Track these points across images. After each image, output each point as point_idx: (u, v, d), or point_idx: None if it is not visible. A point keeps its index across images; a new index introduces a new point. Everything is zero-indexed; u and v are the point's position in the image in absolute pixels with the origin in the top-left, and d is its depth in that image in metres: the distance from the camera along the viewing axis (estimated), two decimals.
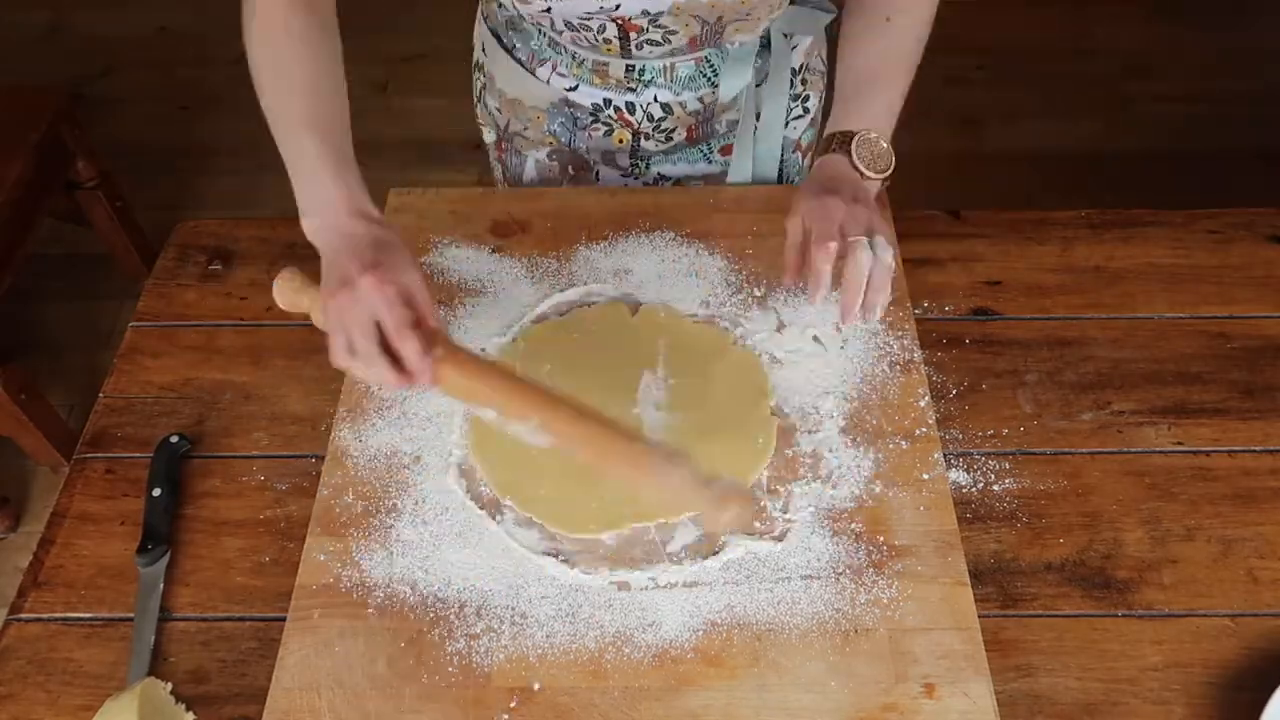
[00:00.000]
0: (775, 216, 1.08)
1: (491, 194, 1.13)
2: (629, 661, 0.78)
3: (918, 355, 0.97)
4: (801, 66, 1.15)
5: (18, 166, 1.81)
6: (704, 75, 1.06)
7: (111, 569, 0.87)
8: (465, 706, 0.76)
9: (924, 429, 0.91)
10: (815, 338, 0.98)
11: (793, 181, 1.22)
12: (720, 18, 0.98)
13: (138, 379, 1.00)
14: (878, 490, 0.87)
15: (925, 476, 0.88)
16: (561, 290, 1.02)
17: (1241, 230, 1.11)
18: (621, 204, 1.10)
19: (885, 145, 0.89)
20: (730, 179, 1.16)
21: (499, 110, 1.17)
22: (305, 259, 1.09)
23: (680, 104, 1.08)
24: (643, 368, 0.95)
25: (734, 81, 1.07)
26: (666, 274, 1.04)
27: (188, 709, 0.78)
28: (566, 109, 1.11)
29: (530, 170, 1.20)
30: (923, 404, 0.93)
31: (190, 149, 2.60)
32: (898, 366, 0.96)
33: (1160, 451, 0.93)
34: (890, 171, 0.88)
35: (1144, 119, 2.61)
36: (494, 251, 1.06)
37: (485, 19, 1.13)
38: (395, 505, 0.87)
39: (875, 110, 0.90)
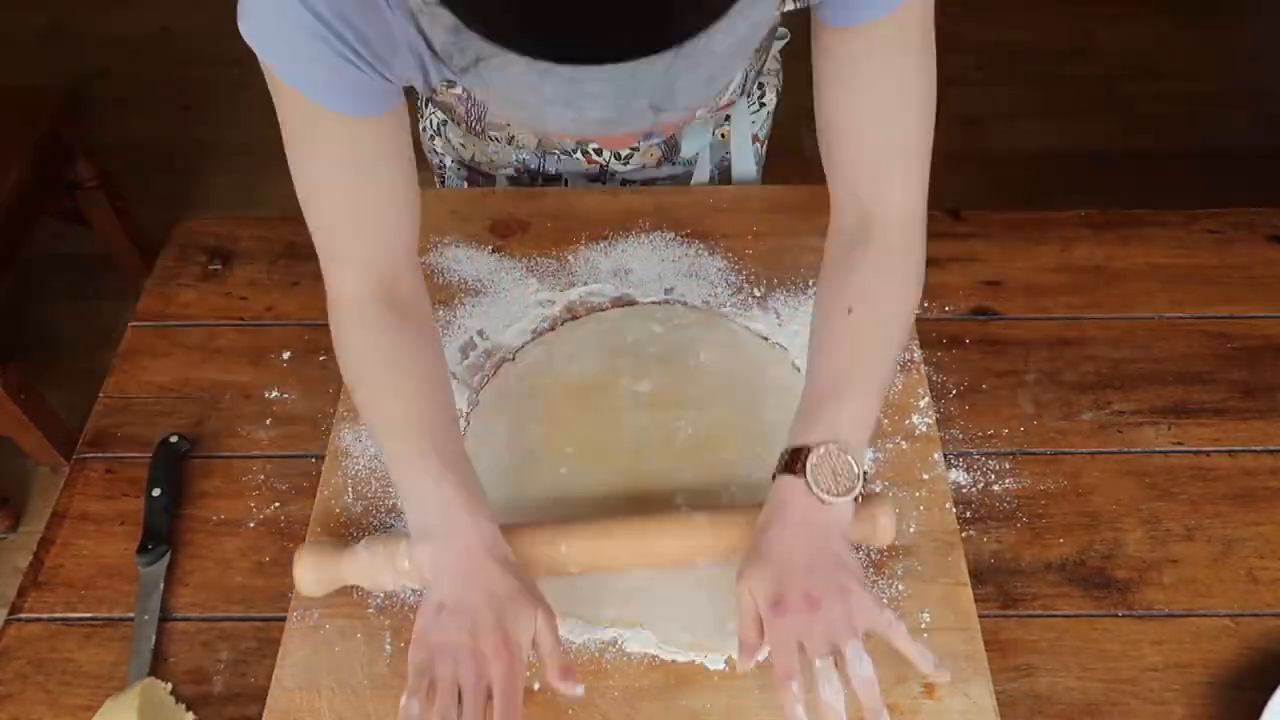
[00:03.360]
0: (775, 216, 1.09)
1: (491, 194, 1.13)
2: (629, 661, 0.78)
3: (918, 355, 0.97)
4: (763, 68, 1.14)
5: (18, 166, 1.80)
6: (668, 145, 1.10)
7: (111, 569, 0.87)
8: None
9: (924, 429, 0.91)
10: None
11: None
12: (679, 131, 1.01)
13: (138, 379, 1.00)
14: (878, 490, 0.87)
15: (925, 476, 0.88)
16: (561, 290, 1.03)
17: (1241, 230, 1.11)
18: (621, 204, 1.10)
19: (849, 459, 0.73)
20: (695, 182, 1.18)
21: (462, 145, 1.15)
22: (305, 258, 1.09)
23: (646, 150, 1.10)
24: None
25: (694, 142, 1.11)
26: (666, 274, 1.04)
27: (188, 709, 0.78)
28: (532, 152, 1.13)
29: (502, 183, 1.20)
30: (923, 404, 0.93)
31: (190, 149, 2.60)
32: (898, 366, 0.96)
33: (1160, 451, 0.93)
34: (858, 490, 0.73)
35: (1144, 119, 2.61)
36: (494, 251, 1.06)
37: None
38: (395, 505, 0.87)
39: (839, 420, 0.75)
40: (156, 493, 0.89)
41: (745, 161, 1.18)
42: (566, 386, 0.95)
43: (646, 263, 1.05)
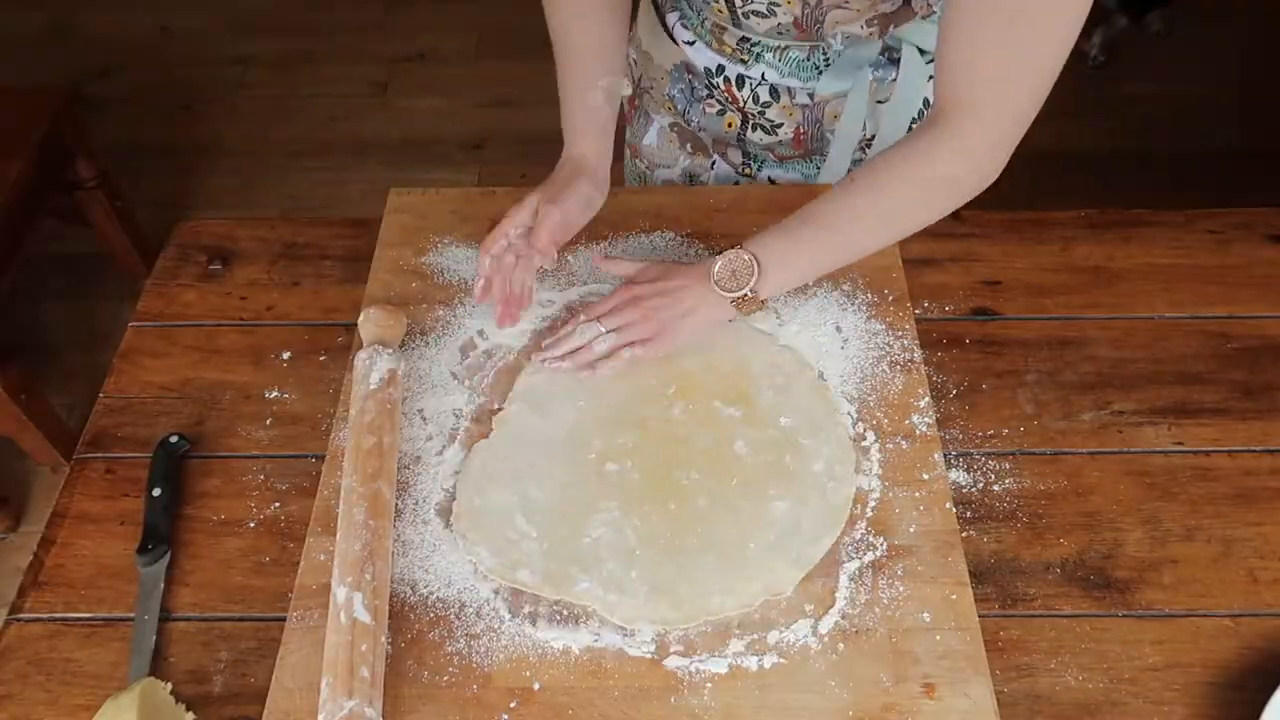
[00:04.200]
0: (775, 217, 1.08)
1: (491, 194, 1.13)
2: (629, 661, 0.78)
3: (918, 355, 0.97)
4: (921, 114, 1.09)
5: (18, 166, 1.81)
6: (815, 65, 1.04)
7: (111, 569, 0.87)
8: (465, 706, 0.76)
9: (924, 429, 0.91)
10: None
11: None
12: (821, 2, 0.94)
13: (138, 379, 1.00)
14: (878, 490, 0.87)
15: (925, 476, 0.88)
16: (561, 290, 1.03)
17: (1241, 230, 1.11)
18: (622, 204, 1.10)
19: (755, 274, 0.88)
20: (822, 179, 1.16)
21: (634, 62, 1.20)
22: (305, 259, 1.09)
23: (787, 90, 1.06)
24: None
25: (838, 79, 1.03)
26: None
27: (188, 709, 0.78)
28: (686, 75, 1.12)
29: (652, 137, 1.22)
30: (923, 404, 0.93)
31: (190, 149, 2.60)
32: (898, 366, 0.96)
33: (1160, 451, 0.93)
34: (734, 298, 0.89)
35: (1144, 119, 2.61)
36: None
37: None
38: (395, 505, 0.87)
39: (781, 250, 0.89)
40: (157, 493, 0.89)
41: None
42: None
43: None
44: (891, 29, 1.00)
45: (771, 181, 1.18)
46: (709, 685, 0.77)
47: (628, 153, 1.28)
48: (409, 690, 0.77)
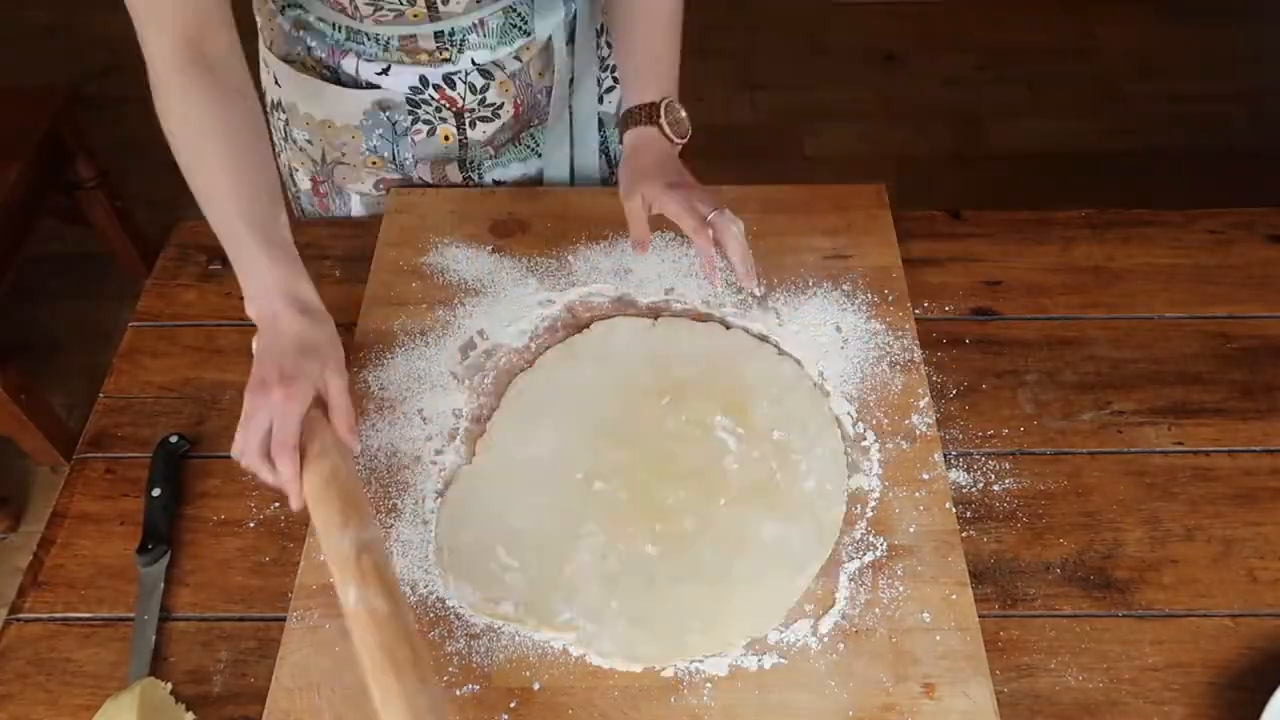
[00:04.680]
0: (775, 217, 1.08)
1: (492, 194, 1.13)
2: (630, 661, 0.78)
3: (918, 355, 0.97)
4: (604, 27, 1.13)
5: (18, 166, 1.80)
6: (516, 26, 1.04)
7: (111, 569, 0.87)
8: (465, 706, 0.76)
9: (924, 429, 0.91)
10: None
11: (616, 159, 1.19)
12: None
13: (138, 379, 1.00)
14: (878, 490, 0.87)
15: (925, 476, 0.88)
16: (561, 290, 1.03)
17: (1241, 230, 1.11)
18: (622, 204, 1.10)
19: (683, 112, 0.99)
20: (548, 176, 1.17)
21: (310, 142, 1.12)
22: (306, 258, 1.08)
23: (499, 66, 1.05)
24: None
25: (547, 21, 1.06)
26: (666, 274, 1.04)
27: (188, 709, 0.78)
28: (381, 114, 1.06)
29: (357, 208, 1.16)
30: (923, 404, 0.93)
31: None
32: (898, 366, 0.96)
33: (1160, 451, 0.93)
34: (688, 137, 0.99)
35: (1144, 119, 2.61)
36: (494, 251, 1.06)
37: (270, 48, 1.08)
38: (395, 505, 0.87)
39: (666, 79, 0.99)
40: (156, 493, 0.89)
41: (589, 158, 1.20)
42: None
43: (646, 263, 1.05)
44: None
45: (497, 183, 1.16)
46: (709, 685, 0.77)
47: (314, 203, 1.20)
48: None
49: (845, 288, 1.02)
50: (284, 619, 0.81)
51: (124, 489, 0.92)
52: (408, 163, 1.11)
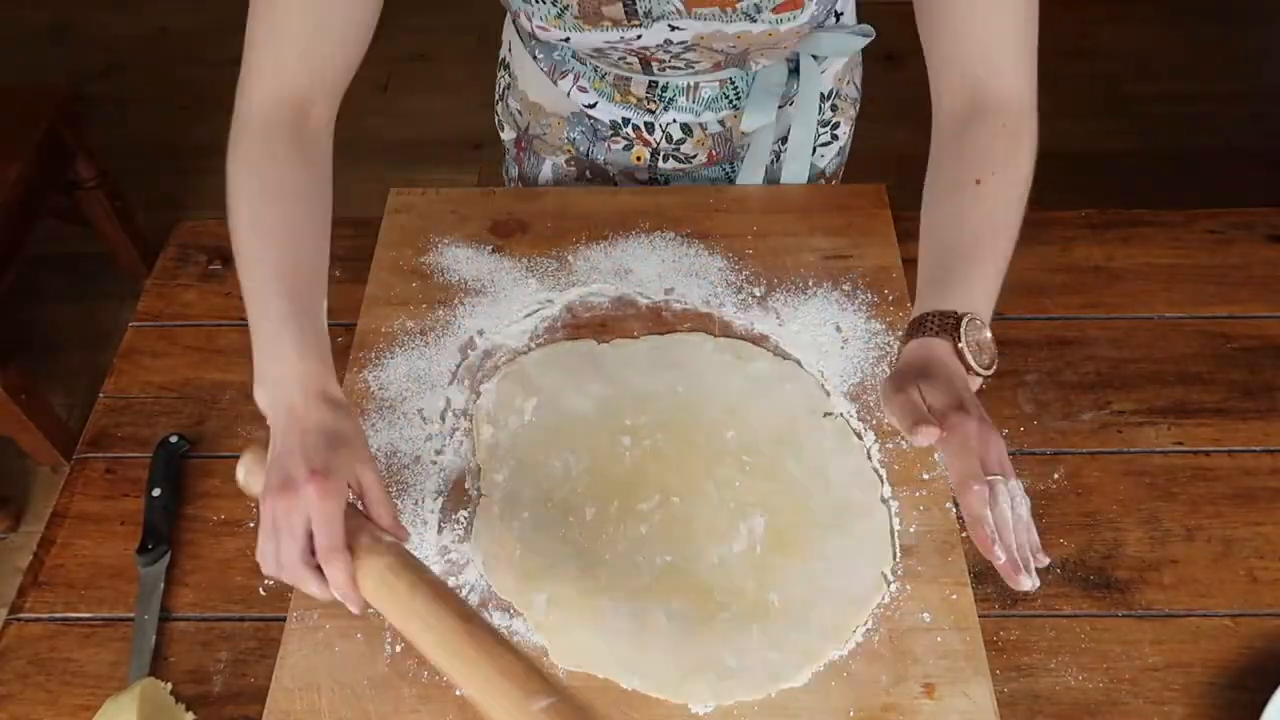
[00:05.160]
0: (775, 216, 1.09)
1: (491, 194, 1.13)
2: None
3: None
4: (832, 92, 1.11)
5: (18, 166, 1.80)
6: (727, 97, 1.04)
7: (111, 569, 0.87)
8: (465, 706, 0.76)
9: None
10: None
11: None
12: (746, 49, 0.95)
13: (138, 379, 1.00)
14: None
15: (925, 476, 0.88)
16: (561, 290, 1.03)
17: (1241, 230, 1.11)
18: (621, 204, 1.10)
19: (989, 335, 0.72)
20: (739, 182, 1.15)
21: (520, 112, 1.16)
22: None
23: (700, 125, 1.07)
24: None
25: (758, 113, 1.02)
26: (666, 274, 1.04)
27: (188, 709, 0.78)
28: (587, 120, 1.09)
29: (546, 173, 1.18)
30: None
31: (190, 149, 2.59)
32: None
33: (1160, 451, 0.93)
34: (994, 368, 0.72)
35: (1144, 119, 2.61)
36: (494, 251, 1.06)
37: (514, 20, 1.11)
38: (395, 505, 0.87)
39: (974, 293, 0.73)
40: (156, 493, 0.89)
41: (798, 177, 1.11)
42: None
43: (646, 263, 1.05)
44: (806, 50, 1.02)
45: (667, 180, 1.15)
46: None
47: (513, 166, 1.22)
48: (409, 690, 0.77)
49: (845, 288, 1.02)
50: (284, 619, 0.81)
51: (124, 489, 0.92)
52: (599, 161, 1.13)
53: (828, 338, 0.98)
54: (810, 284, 1.02)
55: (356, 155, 2.71)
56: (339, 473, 0.67)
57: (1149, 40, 2.81)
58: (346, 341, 1.01)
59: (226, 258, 1.10)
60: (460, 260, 1.05)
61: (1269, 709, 0.75)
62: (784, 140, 1.11)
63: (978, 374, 0.71)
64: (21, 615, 0.84)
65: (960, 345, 0.70)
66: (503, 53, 1.17)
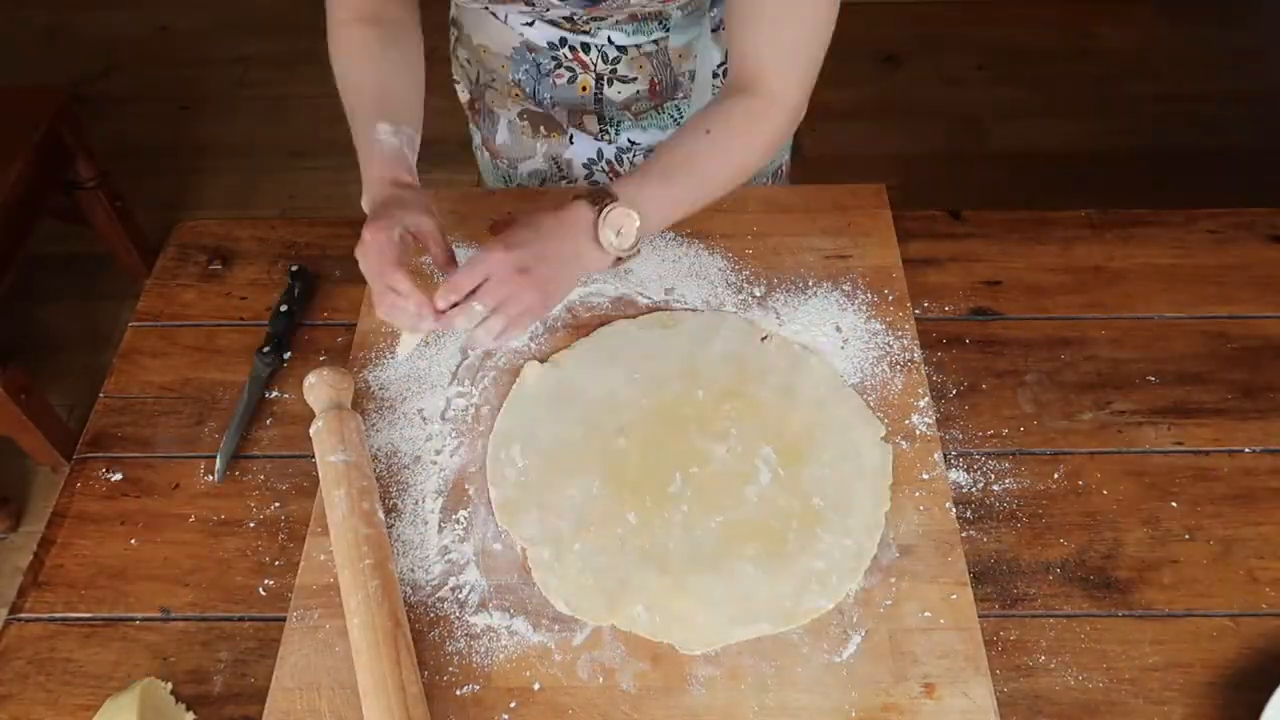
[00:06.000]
0: (776, 216, 1.09)
1: (491, 194, 1.14)
2: (629, 661, 0.78)
3: (918, 355, 0.97)
4: None
5: (18, 166, 1.80)
6: (655, 26, 1.06)
7: (111, 569, 0.87)
8: (465, 706, 0.76)
9: (924, 429, 0.91)
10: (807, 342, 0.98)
11: None
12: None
13: (138, 379, 1.00)
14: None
15: (925, 476, 0.88)
16: None
17: (1241, 230, 1.11)
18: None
19: (636, 232, 0.84)
20: None
21: (469, 62, 1.19)
22: (305, 259, 1.09)
23: (635, 45, 1.07)
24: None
25: (686, 30, 1.07)
26: (666, 274, 1.04)
27: (188, 709, 0.78)
28: (529, 54, 1.10)
29: (504, 134, 1.20)
30: (923, 404, 0.93)
31: (190, 149, 2.60)
32: (898, 366, 0.96)
33: (1160, 451, 0.93)
34: (628, 254, 0.85)
35: (1144, 119, 2.61)
36: None
37: None
38: (395, 505, 0.87)
39: (653, 200, 0.86)
40: (284, 309, 1.02)
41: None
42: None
43: (646, 263, 1.05)
44: None
45: (631, 144, 1.17)
46: (709, 685, 0.77)
47: (485, 155, 1.27)
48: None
49: (845, 288, 1.02)
50: (284, 619, 0.81)
51: (124, 489, 0.92)
52: (546, 101, 1.14)
53: (828, 338, 0.98)
54: (810, 284, 1.02)
55: (356, 155, 2.73)
56: (389, 219, 0.82)
57: (1149, 40, 2.81)
58: (347, 341, 1.01)
59: (226, 258, 1.10)
60: (460, 260, 1.05)
61: (1269, 709, 0.75)
62: (724, 67, 1.12)
63: (602, 247, 0.85)
64: (21, 615, 0.85)
65: (598, 219, 0.84)
66: (451, 12, 1.19)
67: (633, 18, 1.03)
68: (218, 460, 0.92)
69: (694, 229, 1.07)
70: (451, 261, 0.87)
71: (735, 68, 0.92)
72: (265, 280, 1.08)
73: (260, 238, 1.12)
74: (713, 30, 1.09)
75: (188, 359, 1.02)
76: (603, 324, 1.00)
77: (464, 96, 1.25)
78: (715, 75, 1.12)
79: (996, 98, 2.65)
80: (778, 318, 0.99)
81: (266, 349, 0.99)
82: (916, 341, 0.98)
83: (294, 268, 1.06)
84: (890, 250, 1.05)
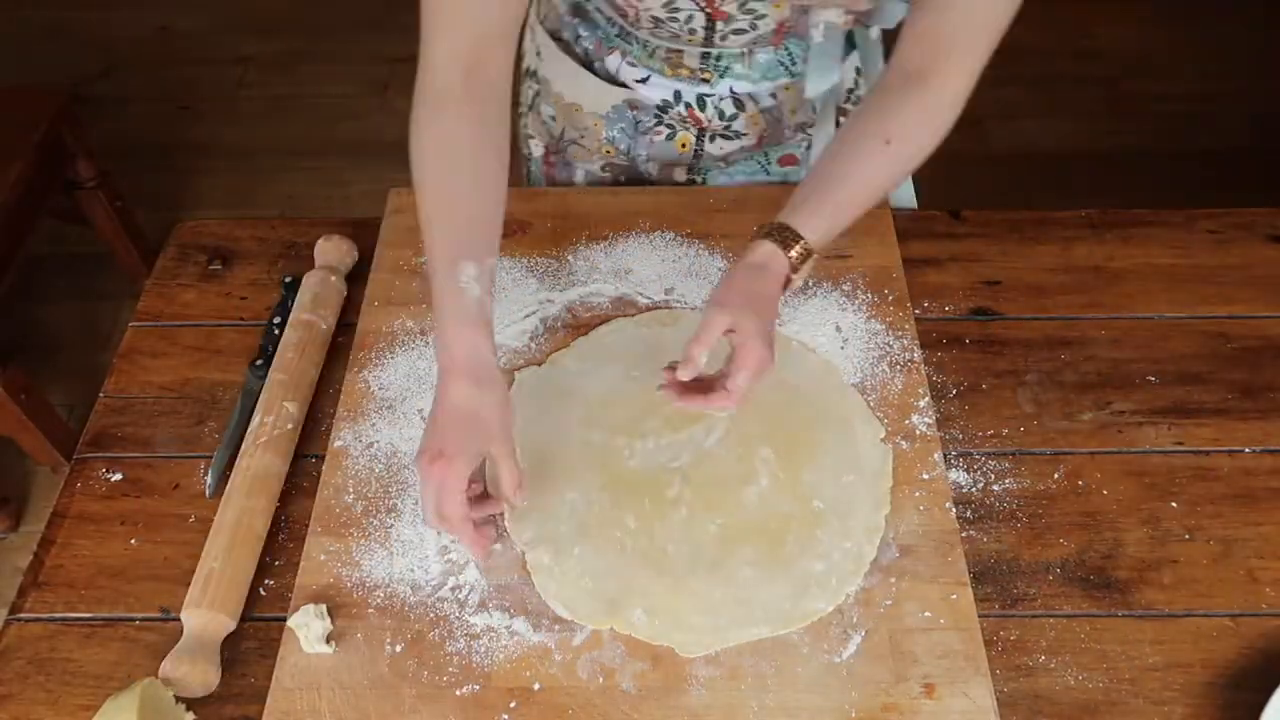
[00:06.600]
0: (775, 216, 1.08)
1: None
2: (629, 662, 0.78)
3: (918, 355, 0.97)
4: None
5: (18, 166, 1.80)
6: (783, 64, 1.03)
7: (111, 569, 0.87)
8: (465, 706, 0.76)
9: (924, 429, 0.91)
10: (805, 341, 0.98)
11: None
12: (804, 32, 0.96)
13: (138, 379, 1.00)
14: None
15: (925, 476, 0.88)
16: (561, 290, 1.03)
17: (1241, 230, 1.11)
18: (621, 204, 1.10)
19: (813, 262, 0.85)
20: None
21: (553, 119, 1.15)
22: (305, 259, 1.09)
23: (754, 98, 1.05)
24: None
25: (819, 77, 1.03)
26: (666, 274, 1.04)
27: (188, 709, 0.78)
28: (629, 111, 1.08)
29: (580, 179, 1.18)
30: (923, 404, 0.93)
31: (190, 149, 2.60)
32: (898, 366, 0.96)
33: (1160, 451, 0.93)
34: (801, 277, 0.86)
35: (1144, 119, 2.61)
36: None
37: (542, 21, 1.10)
38: (395, 505, 0.87)
39: (832, 231, 0.86)
40: (277, 320, 1.01)
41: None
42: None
43: (647, 263, 1.05)
44: (866, 21, 1.02)
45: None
46: (709, 685, 0.77)
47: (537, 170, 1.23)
48: (409, 690, 0.77)
49: (845, 288, 1.02)
50: (284, 619, 0.81)
51: (124, 489, 0.92)
52: (640, 158, 1.13)
53: (828, 338, 0.98)
54: (810, 284, 1.02)
55: (356, 155, 2.73)
56: (464, 456, 0.75)
57: (1149, 40, 2.81)
58: (347, 341, 1.01)
59: (226, 257, 1.10)
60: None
61: (1269, 709, 0.75)
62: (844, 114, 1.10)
63: (792, 283, 0.85)
64: (21, 615, 0.84)
65: (795, 274, 0.84)
66: (527, 62, 1.15)
67: (779, 28, 0.98)
68: (209, 475, 0.91)
69: (693, 229, 1.07)
70: (514, 491, 0.79)
71: (907, 51, 0.87)
72: (265, 280, 1.08)
73: (260, 238, 1.12)
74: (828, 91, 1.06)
75: (188, 359, 1.01)
76: (602, 324, 1.00)
77: (537, 152, 1.20)
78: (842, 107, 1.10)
79: (996, 98, 2.65)
80: (778, 318, 0.99)
81: (259, 362, 0.98)
82: (916, 341, 0.98)
83: (287, 279, 1.05)
84: (890, 250, 1.05)
